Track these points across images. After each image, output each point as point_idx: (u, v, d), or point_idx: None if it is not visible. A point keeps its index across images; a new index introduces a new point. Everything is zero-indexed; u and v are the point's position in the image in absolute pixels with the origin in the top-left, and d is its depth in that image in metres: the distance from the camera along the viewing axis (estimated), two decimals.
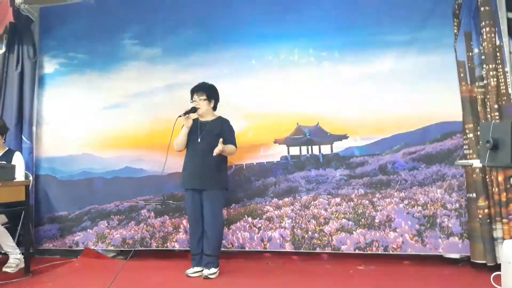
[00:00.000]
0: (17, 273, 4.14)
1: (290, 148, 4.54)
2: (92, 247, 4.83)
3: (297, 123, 4.51)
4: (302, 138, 4.49)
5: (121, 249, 4.80)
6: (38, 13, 5.20)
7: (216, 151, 3.83)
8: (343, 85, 4.41)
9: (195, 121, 4.07)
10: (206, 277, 3.86)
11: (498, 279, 3.19)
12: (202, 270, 3.95)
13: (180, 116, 3.92)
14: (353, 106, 4.37)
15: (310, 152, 4.49)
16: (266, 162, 4.59)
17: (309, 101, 4.48)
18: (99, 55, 5.06)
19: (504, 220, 3.69)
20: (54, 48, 5.21)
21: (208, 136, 3.98)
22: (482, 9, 3.84)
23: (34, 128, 5.08)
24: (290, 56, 4.56)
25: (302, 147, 4.51)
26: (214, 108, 4.17)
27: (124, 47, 5.00)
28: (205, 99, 4.04)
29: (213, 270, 3.91)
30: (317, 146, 4.47)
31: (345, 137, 4.39)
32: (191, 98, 4.08)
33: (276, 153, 4.57)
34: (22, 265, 4.20)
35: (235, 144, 4.08)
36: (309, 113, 4.49)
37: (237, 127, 4.31)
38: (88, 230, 4.90)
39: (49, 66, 5.21)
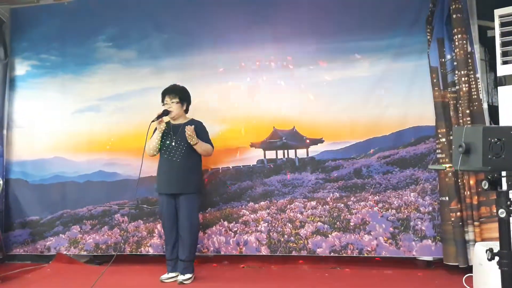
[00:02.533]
0: None
1: (267, 152, 4.54)
2: (64, 252, 4.74)
3: (273, 126, 4.51)
4: (278, 141, 4.50)
5: (95, 254, 4.73)
6: (9, 14, 5.07)
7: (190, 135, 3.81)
8: (318, 89, 4.44)
9: (167, 124, 4.02)
10: (181, 283, 3.83)
11: (470, 281, 3.26)
12: (177, 276, 3.92)
13: (153, 121, 3.88)
14: (328, 110, 4.41)
15: (286, 156, 4.50)
16: (243, 166, 4.58)
17: (285, 105, 4.50)
18: (72, 57, 4.96)
19: (476, 223, 3.75)
20: (25, 50, 5.08)
21: (182, 139, 3.93)
22: (454, 16, 3.91)
23: (4, 132, 4.97)
24: (265, 61, 4.56)
25: (278, 151, 4.52)
26: (186, 111, 4.14)
27: (98, 50, 4.92)
28: (177, 102, 3.99)
29: (188, 275, 3.88)
30: (293, 150, 4.49)
31: (320, 141, 4.42)
32: (162, 101, 4.04)
33: (253, 156, 4.56)
34: None
35: (211, 145, 4.06)
36: (285, 117, 4.50)
37: (213, 131, 4.31)
38: (60, 235, 4.80)
39: (21, 68, 5.09)
